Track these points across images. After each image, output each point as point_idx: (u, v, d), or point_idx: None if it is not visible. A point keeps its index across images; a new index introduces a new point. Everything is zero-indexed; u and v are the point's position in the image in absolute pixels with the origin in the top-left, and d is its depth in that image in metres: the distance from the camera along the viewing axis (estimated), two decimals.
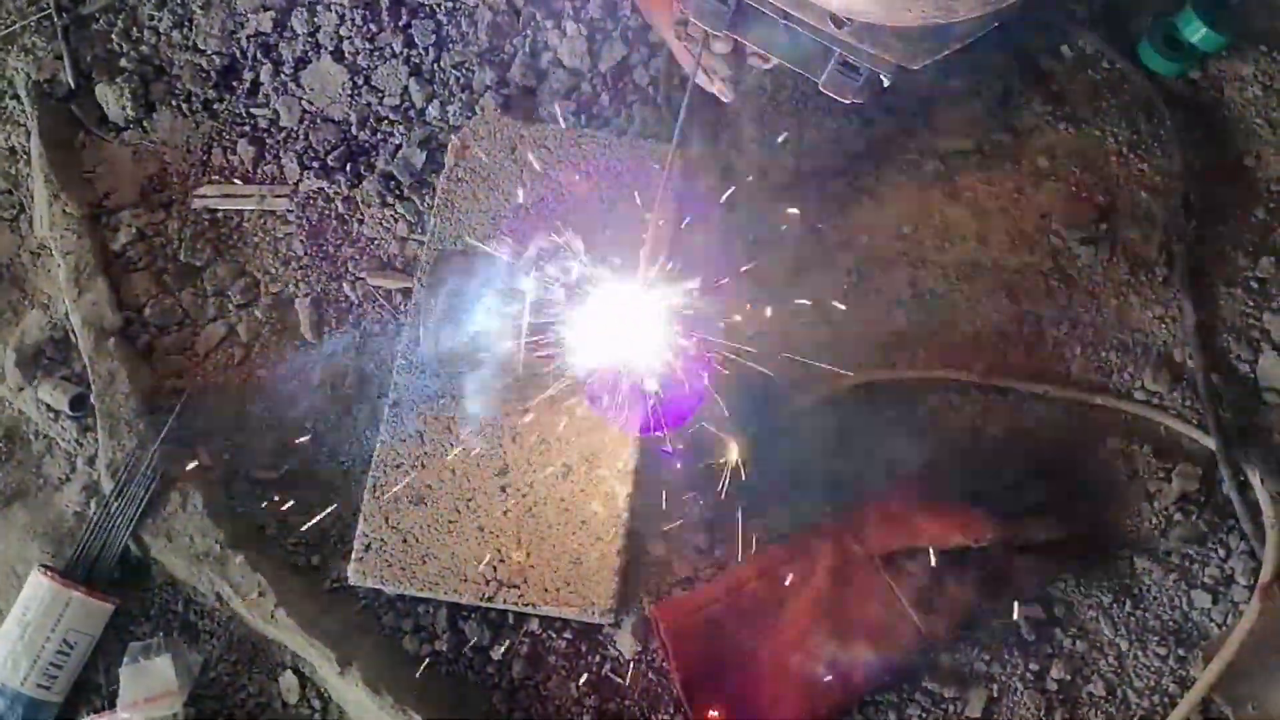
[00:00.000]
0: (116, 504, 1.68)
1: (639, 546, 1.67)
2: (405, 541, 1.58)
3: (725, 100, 1.64)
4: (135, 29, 2.00)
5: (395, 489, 1.61)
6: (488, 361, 1.55)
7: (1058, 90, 1.95)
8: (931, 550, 1.62)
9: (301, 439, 1.77)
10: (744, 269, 1.72)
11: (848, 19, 1.24)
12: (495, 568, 1.57)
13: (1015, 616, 1.65)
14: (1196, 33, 1.89)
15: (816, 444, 1.73)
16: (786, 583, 1.62)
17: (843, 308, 1.80)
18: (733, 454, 1.63)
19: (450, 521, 1.59)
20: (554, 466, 1.61)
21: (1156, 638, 1.66)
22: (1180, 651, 1.65)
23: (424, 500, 1.60)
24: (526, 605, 1.57)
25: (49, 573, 1.63)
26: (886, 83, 1.36)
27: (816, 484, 1.71)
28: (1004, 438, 1.77)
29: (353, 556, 1.59)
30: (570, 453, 1.61)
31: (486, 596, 1.56)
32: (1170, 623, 1.67)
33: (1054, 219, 1.87)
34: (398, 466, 1.62)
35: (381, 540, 1.58)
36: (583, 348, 1.57)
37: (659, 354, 1.56)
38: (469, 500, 1.60)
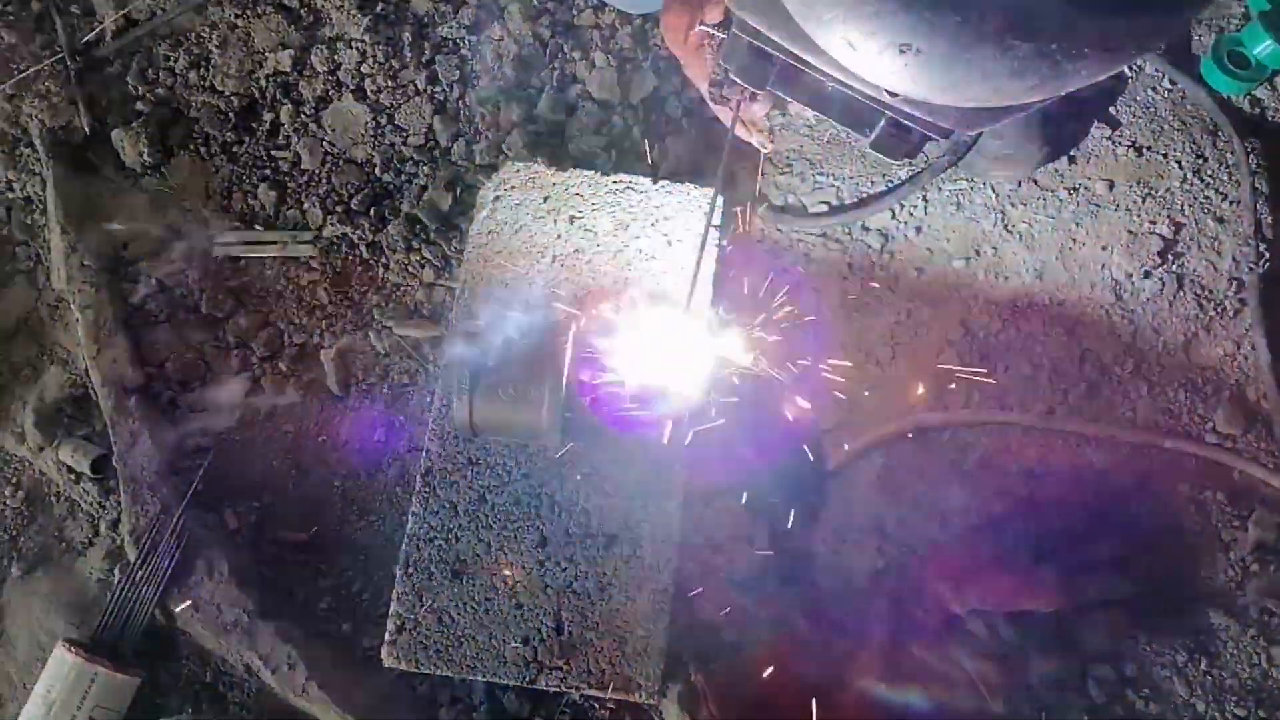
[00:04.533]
0: (141, 572, 1.62)
1: (685, 612, 1.59)
2: (440, 621, 1.51)
3: (764, 150, 1.56)
4: (150, 70, 1.93)
5: (429, 564, 1.54)
6: (523, 428, 1.47)
7: (1116, 112, 1.84)
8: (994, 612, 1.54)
9: (330, 498, 1.70)
10: (788, 308, 1.64)
11: None
12: (536, 649, 1.49)
13: (1084, 677, 1.56)
14: (1264, 48, 1.78)
15: (867, 495, 1.65)
16: (839, 650, 1.54)
17: (891, 347, 1.72)
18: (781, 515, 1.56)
19: (487, 599, 1.51)
20: (596, 537, 1.53)
21: (1235, 698, 1.57)
22: (1261, 713, 1.56)
23: (459, 575, 1.53)
24: (570, 689, 1.49)
25: (73, 648, 1.57)
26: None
27: (870, 539, 1.63)
28: (1066, 485, 1.67)
29: (385, 639, 1.51)
30: (613, 522, 1.53)
31: (528, 679, 1.49)
32: (1249, 682, 1.58)
33: (1114, 250, 1.77)
34: (431, 540, 1.54)
35: (415, 620, 1.51)
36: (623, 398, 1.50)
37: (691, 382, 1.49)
38: (506, 575, 1.52)
